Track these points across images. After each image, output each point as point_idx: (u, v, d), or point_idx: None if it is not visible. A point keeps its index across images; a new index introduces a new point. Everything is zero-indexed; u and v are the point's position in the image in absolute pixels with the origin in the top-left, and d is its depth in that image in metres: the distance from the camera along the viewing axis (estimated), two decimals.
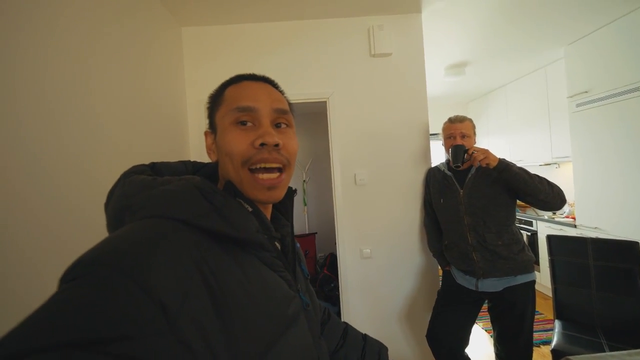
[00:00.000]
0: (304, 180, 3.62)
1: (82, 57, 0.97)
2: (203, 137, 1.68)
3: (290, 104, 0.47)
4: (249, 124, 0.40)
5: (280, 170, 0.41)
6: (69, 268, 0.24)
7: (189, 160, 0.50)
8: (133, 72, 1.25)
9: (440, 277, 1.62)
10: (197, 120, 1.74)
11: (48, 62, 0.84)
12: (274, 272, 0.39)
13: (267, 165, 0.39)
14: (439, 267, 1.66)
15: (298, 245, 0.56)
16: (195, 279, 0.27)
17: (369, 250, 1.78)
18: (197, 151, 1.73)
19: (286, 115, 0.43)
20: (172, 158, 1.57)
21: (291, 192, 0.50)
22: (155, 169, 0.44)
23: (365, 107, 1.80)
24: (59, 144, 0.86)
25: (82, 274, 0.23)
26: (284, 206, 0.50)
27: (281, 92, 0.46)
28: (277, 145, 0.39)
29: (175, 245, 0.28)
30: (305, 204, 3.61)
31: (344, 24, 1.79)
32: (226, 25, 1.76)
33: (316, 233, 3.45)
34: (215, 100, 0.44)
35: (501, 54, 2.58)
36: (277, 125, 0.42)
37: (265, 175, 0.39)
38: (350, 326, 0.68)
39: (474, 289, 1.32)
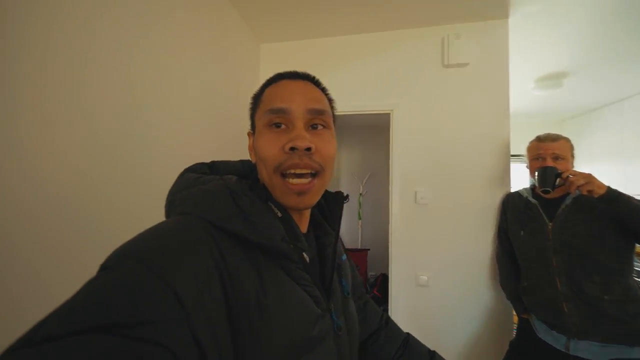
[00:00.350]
0: (361, 194, 3.55)
1: (171, 67, 1.14)
2: None
3: (331, 103, 0.44)
4: (282, 126, 0.38)
5: (313, 175, 0.39)
6: (107, 257, 0.26)
7: (248, 160, 0.51)
8: (213, 82, 1.42)
9: (515, 325, 1.35)
10: None
11: (145, 71, 1.01)
12: (299, 286, 0.35)
13: (298, 171, 0.37)
14: (514, 313, 1.38)
15: (344, 257, 0.51)
16: (213, 280, 0.27)
17: (426, 278, 1.60)
18: None
19: (323, 115, 0.40)
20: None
21: (341, 198, 0.46)
22: (213, 167, 0.46)
23: (433, 120, 1.66)
24: (144, 149, 1.02)
25: (113, 265, 0.25)
26: (332, 212, 0.47)
27: (323, 89, 0.44)
28: (308, 149, 0.37)
29: (198, 245, 0.28)
30: (360, 218, 3.51)
31: (416, 34, 1.71)
32: (299, 40, 1.87)
33: (369, 249, 3.30)
34: (256, 101, 0.44)
35: (615, 62, 2.11)
36: (313, 127, 0.40)
37: (296, 180, 0.37)
38: (414, 337, 0.59)
39: (562, 350, 1.05)
